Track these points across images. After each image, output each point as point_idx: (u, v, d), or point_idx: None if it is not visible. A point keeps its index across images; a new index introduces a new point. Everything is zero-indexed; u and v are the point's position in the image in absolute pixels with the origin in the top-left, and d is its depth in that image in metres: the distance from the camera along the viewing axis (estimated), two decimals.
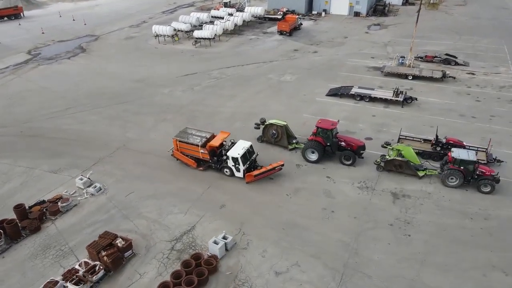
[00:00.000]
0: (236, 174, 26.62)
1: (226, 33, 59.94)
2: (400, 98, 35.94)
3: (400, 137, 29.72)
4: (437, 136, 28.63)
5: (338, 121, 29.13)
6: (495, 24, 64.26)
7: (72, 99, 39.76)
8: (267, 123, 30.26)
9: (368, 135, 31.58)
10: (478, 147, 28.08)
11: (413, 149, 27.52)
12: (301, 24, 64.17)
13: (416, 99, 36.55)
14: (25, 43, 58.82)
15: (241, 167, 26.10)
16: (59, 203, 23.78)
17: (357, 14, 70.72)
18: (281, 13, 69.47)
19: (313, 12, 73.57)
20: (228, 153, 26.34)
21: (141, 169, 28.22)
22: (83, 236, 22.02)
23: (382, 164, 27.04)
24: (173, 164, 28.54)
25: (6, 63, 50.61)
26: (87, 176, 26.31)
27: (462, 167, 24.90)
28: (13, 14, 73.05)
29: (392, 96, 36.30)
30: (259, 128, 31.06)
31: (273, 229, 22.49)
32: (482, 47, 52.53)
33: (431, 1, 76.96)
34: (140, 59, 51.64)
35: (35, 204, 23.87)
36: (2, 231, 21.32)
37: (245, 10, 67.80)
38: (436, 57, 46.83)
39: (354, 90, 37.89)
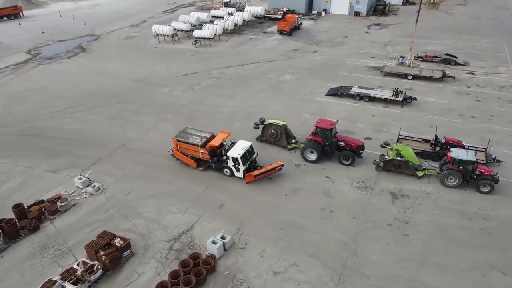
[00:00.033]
0: (236, 174, 26.60)
1: (226, 32, 59.95)
2: (400, 98, 35.91)
3: (400, 137, 29.69)
4: (436, 136, 28.61)
5: (337, 121, 29.11)
6: (496, 24, 64.17)
7: (72, 99, 39.79)
8: (266, 122, 30.25)
9: (368, 135, 31.56)
10: (477, 147, 28.05)
11: (412, 149, 27.51)
12: (301, 23, 64.13)
13: (415, 99, 36.52)
14: (25, 43, 58.86)
15: (241, 167, 26.08)
16: (58, 203, 23.80)
17: (357, 13, 70.66)
18: (281, 12, 69.43)
19: (313, 12, 73.53)
20: (228, 153, 26.31)
21: (140, 168, 28.23)
22: (82, 235, 22.02)
23: (381, 164, 27.02)
24: (172, 164, 28.54)
25: (6, 63, 50.66)
26: (86, 176, 26.32)
27: (461, 167, 24.88)
28: (13, 13, 73.12)
29: (392, 96, 36.28)
30: (258, 128, 31.06)
31: (272, 229, 22.48)
32: (482, 47, 52.46)
33: (432, 1, 76.89)
34: (140, 59, 51.65)
35: (34, 204, 23.90)
36: (0, 230, 21.37)
37: (245, 9, 67.77)
38: (436, 57, 46.78)
39: (354, 90, 37.87)
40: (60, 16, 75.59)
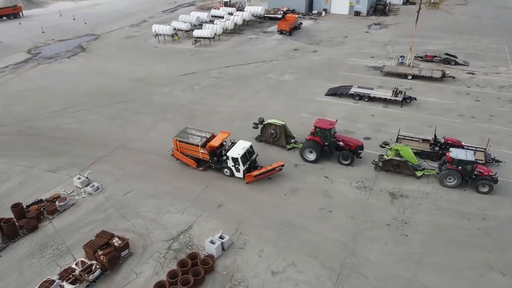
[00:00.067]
0: (236, 174, 26.57)
1: (226, 32, 59.95)
2: (399, 98, 35.88)
3: (399, 137, 29.67)
4: (435, 136, 28.58)
5: (337, 120, 29.08)
6: (496, 23, 64.10)
7: (71, 98, 39.81)
8: (266, 122, 30.25)
9: (367, 135, 31.54)
10: (476, 147, 28.03)
11: (411, 149, 27.49)
12: (301, 23, 64.11)
13: (415, 98, 36.48)
14: (25, 42, 58.89)
15: (241, 168, 26.05)
16: (56, 202, 23.80)
17: (357, 13, 70.62)
18: (281, 12, 69.40)
19: (313, 12, 73.49)
20: (228, 153, 26.27)
21: (140, 168, 28.23)
22: (80, 235, 22.03)
23: (380, 164, 27.01)
24: (171, 164, 28.53)
25: (6, 62, 50.68)
26: (85, 176, 26.34)
27: (460, 167, 24.86)
28: (12, 13, 73.16)
29: (391, 96, 36.25)
30: (257, 128, 31.06)
31: (271, 229, 22.48)
32: (483, 46, 52.40)
33: (432, 1, 76.80)
34: (140, 59, 51.66)
35: (33, 203, 23.91)
36: None
37: (245, 9, 67.75)
38: (436, 56, 46.74)
39: (353, 90, 37.85)
40: (60, 15, 75.62)
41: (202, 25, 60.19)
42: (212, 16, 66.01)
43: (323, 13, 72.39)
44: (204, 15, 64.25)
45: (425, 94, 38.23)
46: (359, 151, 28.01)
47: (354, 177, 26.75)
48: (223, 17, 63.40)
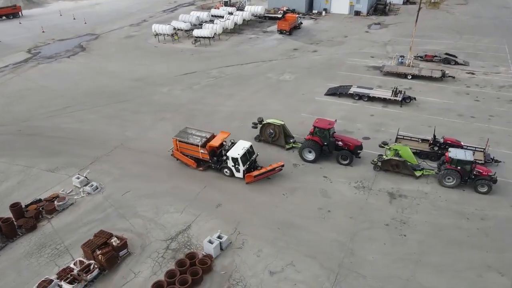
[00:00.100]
0: (236, 174, 26.53)
1: (226, 32, 59.93)
2: (399, 98, 35.84)
3: (398, 136, 29.64)
4: (434, 136, 28.55)
5: (336, 120, 29.06)
6: (497, 23, 64.00)
7: (71, 98, 39.82)
8: (265, 122, 30.24)
9: (366, 135, 31.52)
10: (476, 147, 27.99)
11: (410, 149, 27.45)
12: (301, 23, 64.05)
13: (415, 98, 36.44)
14: (26, 42, 58.90)
15: (241, 168, 26.01)
16: (55, 202, 23.82)
17: (357, 13, 70.53)
18: (282, 12, 69.33)
19: (314, 11, 73.42)
20: (228, 154, 26.23)
21: (138, 168, 28.24)
22: (79, 235, 22.04)
23: (379, 164, 26.99)
24: (170, 164, 28.53)
25: (6, 62, 50.70)
26: (84, 175, 26.36)
27: (459, 167, 24.82)
28: (11, 13, 73.16)
29: (391, 96, 36.21)
30: (256, 128, 31.07)
31: (269, 228, 22.47)
32: (483, 46, 52.31)
33: (432, 0, 76.66)
34: (139, 58, 51.66)
35: (32, 203, 23.91)
36: None
37: (245, 9, 67.70)
38: (436, 56, 46.67)
39: (353, 90, 37.82)
40: (61, 15, 75.63)
41: (202, 24, 60.14)
42: (212, 15, 66.00)
43: (323, 12, 72.32)
44: (204, 15, 64.23)
45: (424, 94, 38.19)
46: (358, 151, 28.00)
47: (353, 177, 26.73)
48: (223, 17, 63.36)
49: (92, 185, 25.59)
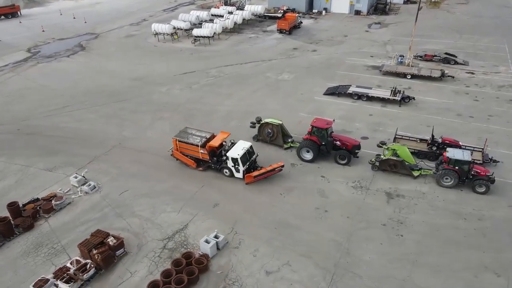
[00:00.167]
0: (236, 174, 26.48)
1: (226, 31, 59.88)
2: (398, 97, 35.77)
3: (396, 136, 29.59)
4: (433, 135, 28.50)
5: (334, 120, 29.04)
6: (497, 22, 63.79)
7: (70, 97, 39.83)
8: (263, 122, 30.22)
9: (365, 135, 31.47)
10: (474, 147, 27.93)
11: (409, 148, 27.41)
12: (301, 22, 63.93)
13: (413, 98, 36.37)
14: (25, 41, 58.93)
15: (241, 168, 25.96)
16: (52, 201, 23.85)
17: (357, 12, 70.37)
18: (282, 11, 69.25)
19: (314, 11, 73.30)
20: (227, 154, 26.19)
21: (136, 167, 28.26)
22: (76, 234, 22.07)
23: (377, 163, 26.95)
24: (168, 163, 28.53)
25: (5, 61, 50.72)
26: (81, 175, 26.39)
27: (457, 167, 24.77)
28: (10, 12, 73.14)
29: (390, 95, 36.14)
30: (254, 127, 31.05)
31: (266, 228, 22.47)
32: (483, 46, 52.15)
33: (433, 0, 76.47)
34: (139, 57, 51.64)
35: (29, 202, 23.95)
36: None
37: (245, 8, 67.62)
38: (435, 56, 46.55)
39: (352, 89, 37.76)
40: (61, 14, 75.61)
41: (201, 24, 60.10)
42: (212, 15, 65.93)
43: (324, 12, 72.20)
44: (204, 14, 64.17)
45: (423, 94, 38.11)
46: (356, 151, 27.97)
47: (351, 177, 26.70)
48: (223, 16, 63.30)
49: (89, 185, 25.62)
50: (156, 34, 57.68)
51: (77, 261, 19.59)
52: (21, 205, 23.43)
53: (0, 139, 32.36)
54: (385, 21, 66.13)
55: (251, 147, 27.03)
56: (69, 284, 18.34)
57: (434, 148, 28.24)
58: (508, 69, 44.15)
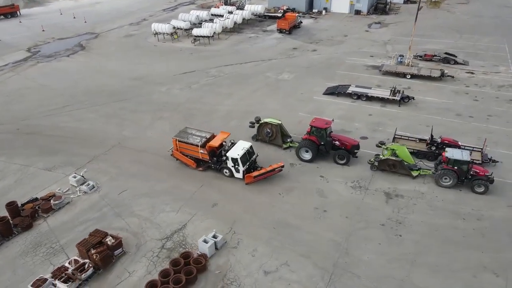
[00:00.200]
0: (236, 175, 26.44)
1: (226, 31, 59.86)
2: (397, 97, 35.74)
3: (395, 136, 29.56)
4: (432, 135, 28.47)
5: (333, 120, 29.02)
6: (497, 22, 63.70)
7: (70, 97, 39.84)
8: (262, 121, 30.21)
9: (364, 134, 31.45)
10: (473, 147, 27.90)
11: (408, 148, 27.37)
12: (301, 22, 63.90)
13: (413, 98, 36.33)
14: (25, 41, 58.95)
15: (241, 168, 25.92)
16: (51, 201, 23.86)
17: (357, 12, 70.33)
18: (282, 11, 69.23)
19: (314, 10, 73.26)
20: (227, 154, 26.15)
21: (135, 167, 28.26)
22: (75, 234, 22.07)
23: (376, 163, 26.93)
24: (168, 163, 28.51)
25: (5, 61, 50.74)
26: (81, 174, 26.40)
27: (455, 167, 24.74)
28: (9, 12, 73.15)
29: (389, 95, 36.10)
30: (254, 127, 31.02)
31: (265, 228, 22.46)
32: (483, 46, 52.07)
33: (433, 0, 76.40)
34: (139, 57, 51.64)
35: (28, 202, 23.96)
36: None
37: (245, 8, 67.62)
38: (435, 56, 46.49)
39: (351, 89, 37.73)
40: (61, 14, 75.66)
41: (201, 23, 60.08)
42: (212, 14, 65.93)
43: (324, 11, 72.16)
44: (204, 14, 64.16)
45: (423, 94, 38.08)
46: (355, 151, 27.95)
47: (350, 177, 26.68)
48: (222, 16, 63.28)
49: (88, 184, 25.63)
50: (156, 33, 57.69)
51: (75, 261, 19.60)
52: (20, 205, 23.43)
53: (0, 139, 32.36)
54: (385, 21, 66.08)
55: (251, 147, 27.00)
56: (67, 284, 18.36)
57: (433, 148, 28.21)
58: (508, 69, 44.10)
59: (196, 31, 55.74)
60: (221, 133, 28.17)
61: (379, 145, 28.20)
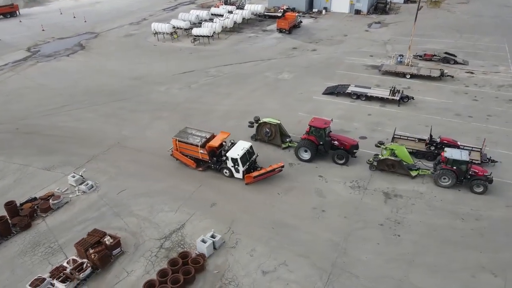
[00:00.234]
0: (236, 175, 26.41)
1: (225, 30, 59.84)
2: (397, 97, 35.71)
3: (395, 136, 29.54)
4: (431, 135, 28.45)
5: (332, 120, 29.00)
6: (497, 22, 63.60)
7: (69, 96, 39.86)
8: (261, 121, 30.20)
9: (363, 134, 31.43)
10: (472, 147, 27.87)
11: (407, 148, 27.38)
12: (301, 22, 63.85)
13: (412, 98, 36.29)
14: (25, 40, 58.94)
15: (241, 168, 25.89)
16: (50, 201, 23.87)
17: (357, 12, 70.23)
18: (282, 10, 69.17)
19: (314, 10, 73.19)
20: (227, 154, 26.12)
21: (134, 166, 28.27)
22: (73, 233, 22.08)
23: (375, 163, 26.91)
24: (167, 163, 28.50)
25: (5, 60, 50.75)
26: (79, 174, 26.40)
27: (454, 167, 24.73)
28: (9, 12, 73.12)
29: (389, 95, 36.07)
30: (253, 127, 31.00)
31: (263, 228, 22.46)
32: (483, 45, 51.99)
33: None
34: (139, 57, 51.63)
35: (27, 201, 23.97)
36: None
37: (245, 7, 67.57)
38: (435, 55, 46.42)
39: (351, 89, 37.71)
40: (61, 13, 75.59)
41: (201, 23, 60.05)
42: (212, 14, 65.90)
43: (323, 11, 72.09)
44: (203, 13, 64.13)
45: (423, 93, 38.04)
46: (354, 151, 27.93)
47: (349, 177, 26.67)
48: (222, 15, 63.25)
49: (87, 184, 25.64)
50: (156, 33, 57.69)
51: (74, 261, 19.60)
52: (18, 205, 23.43)
53: None
54: (385, 21, 66.01)
55: (251, 147, 26.96)
56: (65, 284, 18.36)
57: (433, 148, 28.19)
58: (508, 69, 44.04)
59: (196, 31, 55.72)
60: (221, 133, 28.14)
61: (378, 145, 28.18)
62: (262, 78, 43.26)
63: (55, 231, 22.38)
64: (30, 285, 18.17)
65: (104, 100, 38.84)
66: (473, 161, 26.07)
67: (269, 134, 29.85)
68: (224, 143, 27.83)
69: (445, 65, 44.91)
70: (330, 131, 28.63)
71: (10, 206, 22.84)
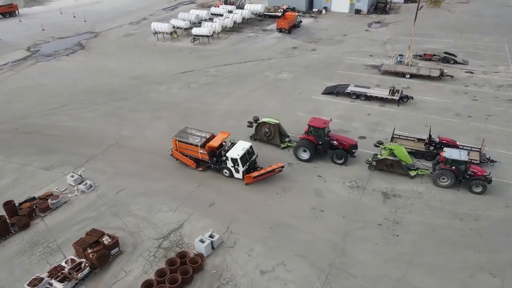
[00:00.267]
0: (235, 175, 26.38)
1: (225, 30, 59.81)
2: (396, 97, 35.67)
3: (394, 136, 29.51)
4: (430, 135, 28.41)
5: (331, 119, 28.97)
6: (498, 22, 63.52)
7: (69, 96, 39.88)
8: (260, 121, 30.18)
9: (362, 134, 31.40)
10: (471, 147, 27.84)
11: (406, 148, 27.37)
12: (301, 21, 63.82)
13: (412, 97, 36.26)
14: (25, 40, 58.97)
15: (240, 168, 25.86)
16: (49, 200, 23.87)
17: (358, 11, 70.20)
18: (282, 10, 69.13)
19: (314, 10, 73.15)
20: (227, 154, 26.09)
21: (133, 166, 28.27)
22: (72, 233, 22.09)
23: (374, 163, 26.89)
24: (166, 162, 28.50)
25: (5, 60, 50.79)
26: (78, 173, 26.41)
27: (453, 167, 24.70)
28: (8, 12, 73.13)
29: (388, 95, 36.04)
30: (252, 126, 30.99)
31: (262, 228, 22.45)
32: (483, 45, 51.93)
33: None
34: (139, 56, 51.65)
35: (25, 201, 23.98)
36: None
37: (245, 7, 67.53)
38: (434, 55, 46.37)
39: (350, 89, 37.68)
40: (61, 13, 75.64)
41: (201, 23, 60.03)
42: (211, 14, 65.89)
43: (323, 11, 72.05)
44: (203, 13, 64.11)
45: (422, 93, 38.01)
46: (353, 150, 27.90)
47: (348, 177, 26.65)
48: (222, 15, 63.24)
49: (86, 184, 25.65)
50: (156, 33, 57.70)
51: (72, 260, 19.62)
52: (17, 204, 23.44)
53: None
54: (385, 20, 65.96)
55: (251, 147, 26.92)
56: (64, 283, 18.36)
57: (432, 148, 28.16)
58: (508, 69, 43.97)
59: (195, 31, 55.71)
60: (221, 133, 28.12)
61: (377, 144, 28.16)
62: (261, 78, 43.24)
63: (54, 230, 22.40)
64: (28, 285, 18.17)
65: (104, 100, 38.84)
66: (472, 161, 26.06)
67: (268, 134, 29.83)
68: (224, 143, 27.81)
69: (445, 65, 44.87)
70: (329, 131, 28.60)
71: (9, 205, 22.85)
